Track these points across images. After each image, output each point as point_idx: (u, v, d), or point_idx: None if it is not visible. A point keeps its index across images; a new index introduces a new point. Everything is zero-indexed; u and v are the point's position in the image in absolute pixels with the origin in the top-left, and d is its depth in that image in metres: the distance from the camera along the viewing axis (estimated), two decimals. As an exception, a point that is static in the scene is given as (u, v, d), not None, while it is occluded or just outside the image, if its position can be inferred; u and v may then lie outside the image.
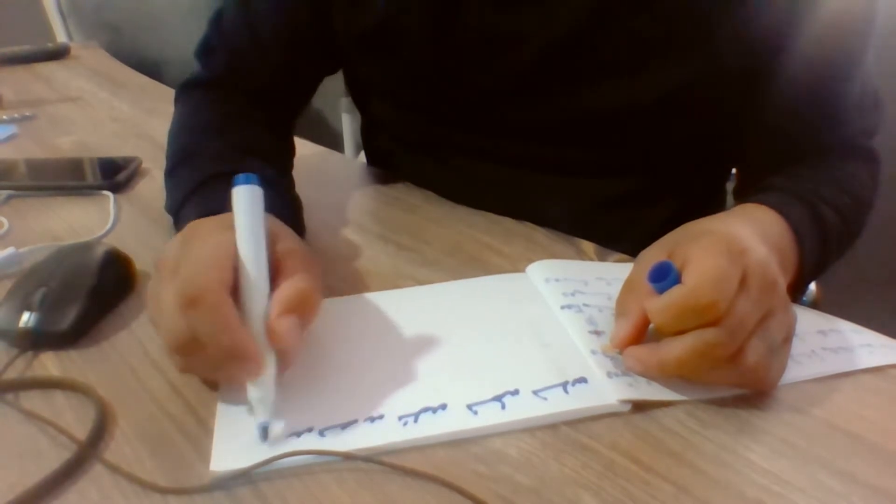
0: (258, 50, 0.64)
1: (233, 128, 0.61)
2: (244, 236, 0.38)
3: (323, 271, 0.43)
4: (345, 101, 1.77)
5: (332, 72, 0.71)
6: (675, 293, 0.37)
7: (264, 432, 0.36)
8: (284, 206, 0.51)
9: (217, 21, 0.67)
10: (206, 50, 0.68)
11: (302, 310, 0.38)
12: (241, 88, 0.65)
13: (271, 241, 0.40)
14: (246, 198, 0.38)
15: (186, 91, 0.68)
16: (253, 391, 0.36)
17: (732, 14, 0.52)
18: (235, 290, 0.37)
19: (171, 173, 0.58)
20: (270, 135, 0.63)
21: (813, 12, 0.51)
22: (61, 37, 1.60)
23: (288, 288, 0.38)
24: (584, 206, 0.65)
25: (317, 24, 0.63)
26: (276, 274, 0.39)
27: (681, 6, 0.52)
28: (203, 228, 0.40)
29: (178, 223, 0.52)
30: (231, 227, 0.38)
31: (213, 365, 0.37)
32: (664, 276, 0.38)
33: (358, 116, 0.80)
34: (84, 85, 1.11)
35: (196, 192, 0.52)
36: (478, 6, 0.56)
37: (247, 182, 0.39)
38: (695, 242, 0.39)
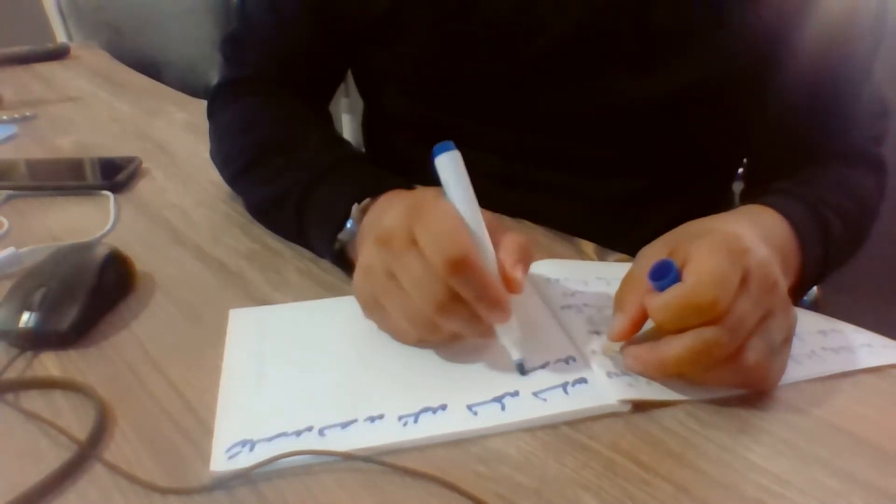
0: (288, 40, 0.65)
1: (309, 119, 0.63)
2: (463, 200, 0.40)
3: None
4: (345, 102, 1.77)
5: (355, 59, 0.71)
6: (675, 291, 0.37)
7: (522, 368, 0.40)
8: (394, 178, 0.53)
9: (243, 15, 0.67)
10: (235, 44, 0.68)
11: (525, 259, 0.41)
12: (278, 81, 0.66)
13: None
14: (454, 164, 0.41)
15: (227, 90, 0.68)
16: (504, 335, 0.40)
17: (745, 11, 0.52)
18: None
19: (256, 164, 0.59)
20: (329, 123, 0.65)
21: (823, 18, 0.52)
22: (61, 37, 1.60)
23: (512, 241, 0.41)
24: (589, 204, 0.65)
25: (339, 8, 0.63)
26: None
27: (692, 3, 0.52)
28: (425, 199, 0.41)
29: (303, 207, 0.53)
30: (442, 195, 0.41)
31: (466, 320, 0.39)
32: (665, 274, 0.38)
33: (358, 117, 0.80)
34: (84, 85, 1.11)
35: (326, 177, 0.53)
36: None
37: (446, 150, 0.41)
38: (696, 241, 0.39)
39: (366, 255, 0.41)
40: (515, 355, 0.40)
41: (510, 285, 0.40)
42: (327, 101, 0.72)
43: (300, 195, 0.53)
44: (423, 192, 0.42)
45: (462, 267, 0.37)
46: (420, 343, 0.43)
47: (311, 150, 0.57)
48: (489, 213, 0.42)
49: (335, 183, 0.52)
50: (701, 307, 0.36)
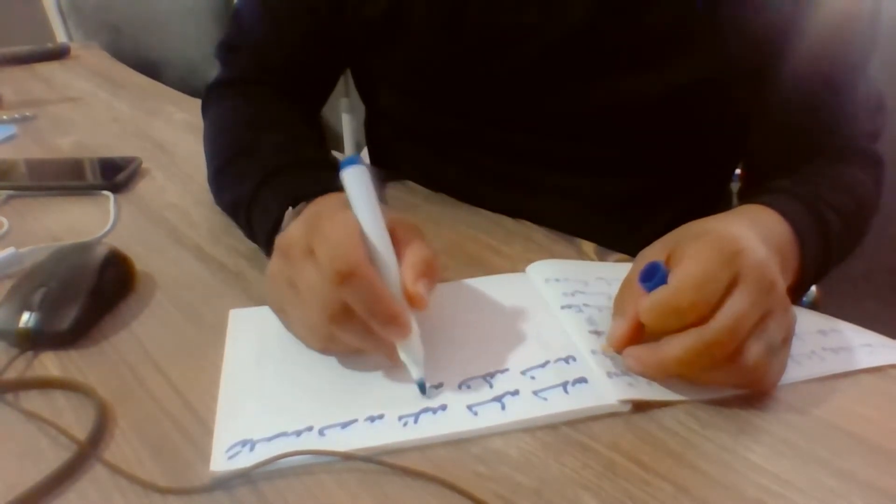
0: (280, 41, 0.66)
1: (279, 121, 0.63)
2: (365, 213, 0.40)
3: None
4: (345, 102, 1.77)
5: (352, 61, 0.72)
6: (659, 294, 0.37)
7: (423, 388, 0.38)
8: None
9: (237, 20, 0.68)
10: (229, 49, 0.69)
11: (430, 274, 0.40)
12: (268, 84, 0.67)
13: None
14: (359, 178, 0.40)
15: (217, 91, 0.69)
16: (404, 353, 0.39)
17: (740, 11, 0.52)
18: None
19: (224, 169, 0.60)
20: (309, 126, 0.65)
21: (819, 15, 0.52)
22: (61, 37, 1.60)
23: (415, 255, 0.40)
24: (589, 204, 0.65)
25: (332, 11, 0.63)
26: (393, 243, 0.41)
27: (689, 2, 0.52)
28: (325, 209, 0.41)
29: (252, 212, 0.53)
30: (347, 207, 0.40)
31: (361, 334, 0.38)
32: (652, 277, 0.38)
33: (358, 116, 0.81)
34: (84, 85, 1.11)
35: (270, 180, 0.53)
36: None
37: (353, 163, 0.40)
38: (691, 243, 0.39)
39: (271, 264, 0.42)
40: (415, 374, 0.39)
41: (411, 301, 0.39)
42: (320, 103, 0.72)
43: (248, 201, 0.54)
44: (327, 202, 0.42)
45: (351, 279, 0.36)
46: (325, 352, 0.42)
47: (264, 156, 0.57)
48: (405, 226, 0.42)
49: (275, 188, 0.52)
50: (680, 310, 0.36)
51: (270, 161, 0.55)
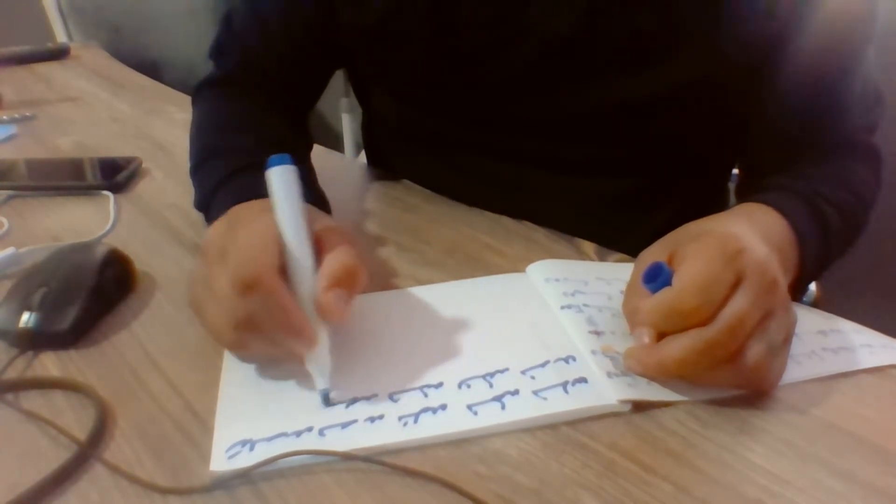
0: (269, 47, 0.65)
1: (254, 123, 0.63)
2: (285, 215, 0.39)
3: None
4: (345, 102, 1.77)
5: (343, 66, 0.72)
6: (662, 296, 0.38)
7: (326, 399, 0.38)
8: (312, 196, 0.52)
9: (227, 21, 0.68)
10: (218, 50, 0.69)
11: (347, 282, 0.39)
12: (255, 85, 0.67)
13: (309, 222, 0.41)
14: (281, 178, 0.40)
15: (203, 91, 0.69)
16: (310, 363, 0.38)
17: (735, 10, 0.52)
18: (283, 269, 0.38)
19: (196, 170, 0.60)
20: (289, 128, 0.65)
21: (814, 9, 0.51)
22: (61, 37, 1.60)
23: (332, 262, 0.39)
24: (586, 205, 0.65)
25: (323, 18, 0.63)
26: (318, 251, 0.40)
27: (683, 2, 0.52)
28: (245, 213, 0.41)
29: (209, 215, 0.54)
30: (269, 210, 0.39)
31: (269, 343, 0.38)
32: (655, 278, 0.38)
33: (358, 116, 0.80)
34: (84, 85, 1.11)
35: (224, 183, 0.53)
36: (479, 1, 0.56)
37: (280, 163, 0.40)
38: (692, 243, 0.39)
39: (195, 263, 0.42)
40: (320, 385, 0.38)
41: (320, 311, 0.38)
42: (308, 105, 0.72)
43: (207, 204, 0.55)
44: (252, 205, 0.42)
45: (253, 290, 0.36)
46: (238, 356, 0.42)
47: (227, 159, 0.57)
48: (333, 232, 0.41)
49: (228, 191, 0.52)
50: (685, 313, 0.37)
51: (230, 164, 0.55)
